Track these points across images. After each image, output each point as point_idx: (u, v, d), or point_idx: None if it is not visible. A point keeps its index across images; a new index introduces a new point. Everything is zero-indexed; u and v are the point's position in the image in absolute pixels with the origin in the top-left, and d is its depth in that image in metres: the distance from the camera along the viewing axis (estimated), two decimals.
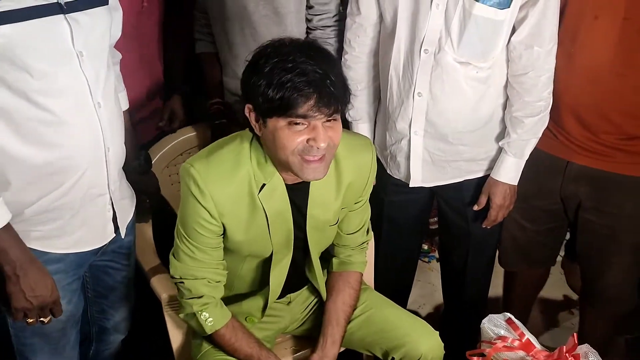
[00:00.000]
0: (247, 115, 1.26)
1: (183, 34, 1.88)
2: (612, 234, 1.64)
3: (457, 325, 1.90)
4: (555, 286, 2.33)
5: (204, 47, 1.88)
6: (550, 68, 1.49)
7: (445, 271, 1.96)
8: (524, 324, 1.96)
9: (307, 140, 1.21)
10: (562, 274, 2.34)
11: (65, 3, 1.18)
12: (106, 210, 1.35)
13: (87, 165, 1.26)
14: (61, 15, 1.17)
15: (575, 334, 1.37)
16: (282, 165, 1.28)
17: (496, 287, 2.09)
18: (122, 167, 1.40)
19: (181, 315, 1.40)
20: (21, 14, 1.11)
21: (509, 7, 1.41)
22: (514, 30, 1.47)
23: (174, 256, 1.37)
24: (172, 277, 1.38)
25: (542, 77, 1.49)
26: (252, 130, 1.29)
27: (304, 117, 1.19)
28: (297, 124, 1.19)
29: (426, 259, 2.54)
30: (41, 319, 1.28)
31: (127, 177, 1.46)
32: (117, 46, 1.43)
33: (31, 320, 1.28)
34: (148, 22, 1.75)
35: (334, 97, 1.19)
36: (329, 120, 1.21)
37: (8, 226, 1.20)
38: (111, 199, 1.34)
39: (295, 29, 1.75)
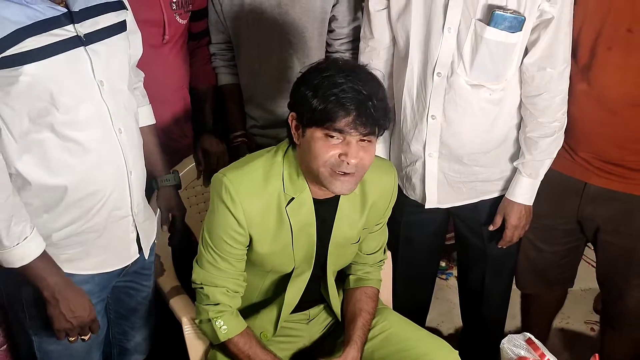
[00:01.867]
0: (290, 123, 1.31)
1: (208, 65, 1.89)
2: (632, 256, 1.63)
3: (476, 344, 1.90)
4: (575, 305, 2.31)
5: (226, 79, 1.90)
6: (563, 89, 1.50)
7: (463, 290, 1.96)
8: (543, 344, 1.97)
9: (339, 155, 1.25)
10: (583, 292, 2.32)
11: (85, 35, 1.22)
12: (129, 231, 1.39)
13: (112, 190, 1.30)
14: (81, 48, 1.21)
15: (597, 355, 1.36)
16: (313, 177, 1.32)
17: (514, 306, 2.08)
18: (152, 183, 1.46)
19: (196, 321, 1.44)
20: (45, 51, 1.15)
21: (520, 30, 1.42)
22: (526, 52, 1.48)
23: (197, 262, 1.41)
24: (193, 283, 1.42)
25: (556, 98, 1.50)
26: (290, 139, 1.33)
27: (340, 131, 1.24)
28: (332, 136, 1.25)
29: (444, 276, 2.53)
30: (82, 337, 1.34)
31: (159, 192, 1.52)
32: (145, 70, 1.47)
33: (73, 339, 1.33)
34: (171, 53, 1.76)
35: (373, 118, 1.24)
36: (363, 140, 1.26)
37: (44, 253, 1.25)
38: (134, 220, 1.38)
39: (317, 53, 1.78)
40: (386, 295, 1.70)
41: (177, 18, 1.74)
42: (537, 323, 1.96)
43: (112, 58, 1.28)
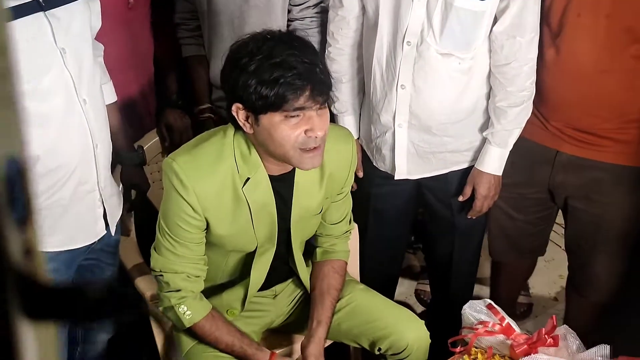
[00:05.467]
0: (235, 114, 1.25)
1: (172, 36, 1.82)
2: (600, 222, 1.66)
3: (444, 315, 1.92)
4: (538, 276, 2.36)
5: (191, 50, 1.84)
6: (532, 58, 1.50)
7: (431, 263, 1.97)
8: (512, 312, 2.01)
9: (305, 132, 1.22)
10: (547, 262, 2.37)
11: (44, 0, 1.16)
12: (96, 207, 1.34)
13: (77, 163, 1.25)
14: (41, 13, 1.15)
15: (554, 316, 1.40)
16: (274, 158, 1.29)
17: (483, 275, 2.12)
18: (117, 159, 1.39)
19: (160, 308, 1.41)
20: None
21: None
22: (495, 21, 1.47)
23: (154, 250, 1.37)
24: (152, 270, 1.38)
25: (525, 67, 1.50)
26: (235, 126, 1.28)
27: (301, 109, 1.20)
28: (292, 117, 1.21)
29: (410, 250, 2.55)
30: None
31: (122, 169, 1.44)
32: (108, 40, 1.41)
33: None
34: (137, 19, 1.71)
35: (326, 85, 1.22)
36: (320, 109, 1.23)
37: None
38: (101, 195, 1.33)
39: (281, 21, 1.74)
40: (353, 267, 1.69)
41: None
42: (506, 291, 2.00)
43: (74, 24, 1.22)
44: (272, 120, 1.22)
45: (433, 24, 1.45)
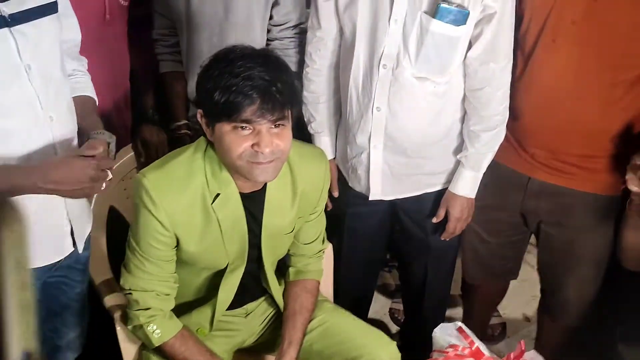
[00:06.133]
0: (200, 121, 1.27)
1: (150, 51, 1.83)
2: (571, 248, 1.68)
3: (417, 336, 1.92)
4: (512, 297, 2.39)
5: (168, 66, 1.84)
6: (505, 83, 1.53)
7: (404, 282, 1.98)
8: (483, 334, 2.02)
9: (252, 146, 1.22)
10: (521, 283, 2.39)
11: (10, 15, 1.14)
12: (63, 224, 1.32)
13: None
14: (5, 29, 1.13)
15: (522, 341, 1.41)
16: (235, 171, 1.29)
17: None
18: (85, 138, 1.33)
19: (129, 327, 1.39)
20: None
21: (465, 23, 1.43)
22: (470, 46, 1.50)
23: (124, 267, 1.36)
24: (122, 288, 1.37)
25: (498, 92, 1.52)
26: (206, 136, 1.29)
27: (248, 121, 1.20)
28: (242, 128, 1.21)
29: (386, 269, 2.55)
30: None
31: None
32: (83, 55, 1.40)
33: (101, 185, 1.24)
34: (113, 35, 1.70)
35: (279, 102, 1.20)
36: (277, 127, 1.22)
37: None
38: (68, 212, 1.31)
39: (260, 40, 1.75)
40: (327, 287, 1.69)
41: None
42: (478, 313, 2.01)
43: (42, 41, 1.20)
44: (223, 129, 1.22)
45: (409, 47, 1.47)
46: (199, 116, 1.26)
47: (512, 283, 2.40)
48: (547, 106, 1.53)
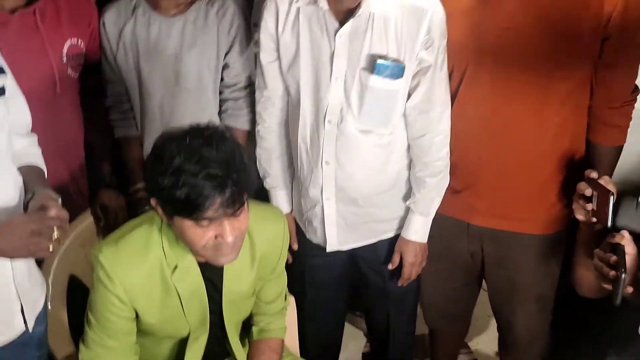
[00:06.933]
0: (154, 206, 1.26)
1: (103, 118, 1.85)
2: (513, 287, 1.73)
3: None
4: (482, 331, 2.40)
5: (123, 131, 1.86)
6: (443, 129, 1.59)
7: (369, 328, 2.00)
8: None
9: (216, 237, 1.22)
10: (491, 317, 2.41)
11: None
12: (13, 304, 1.30)
13: None
14: None
15: None
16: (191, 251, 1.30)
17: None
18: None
19: None
20: None
21: (402, 77, 1.50)
22: (409, 97, 1.55)
23: (82, 342, 1.35)
24: None
25: (436, 138, 1.58)
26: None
27: (209, 219, 1.19)
28: (203, 222, 1.20)
29: (358, 313, 2.55)
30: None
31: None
32: (35, 128, 1.40)
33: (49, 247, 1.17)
34: (64, 105, 1.72)
35: (239, 193, 1.19)
36: (236, 214, 1.22)
37: None
38: (17, 290, 1.30)
39: (212, 102, 1.80)
40: (292, 341, 1.69)
41: (69, 71, 1.71)
42: (444, 352, 2.03)
43: None
44: (183, 223, 1.21)
45: (351, 103, 1.53)
46: (153, 202, 1.24)
47: (483, 318, 2.43)
48: (476, 141, 1.59)
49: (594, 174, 1.39)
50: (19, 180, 1.31)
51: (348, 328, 2.28)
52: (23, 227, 1.17)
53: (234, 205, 1.20)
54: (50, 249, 1.18)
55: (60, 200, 1.28)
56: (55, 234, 1.18)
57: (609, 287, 1.27)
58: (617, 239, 1.28)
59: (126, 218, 1.76)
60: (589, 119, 1.61)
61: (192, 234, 1.22)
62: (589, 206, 1.38)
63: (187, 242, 1.25)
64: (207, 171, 1.16)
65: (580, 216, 1.43)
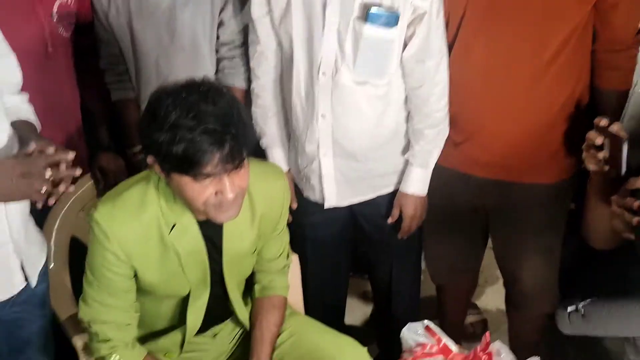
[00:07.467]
0: (151, 164, 1.24)
1: (99, 80, 1.83)
2: (518, 240, 1.70)
3: (391, 339, 1.91)
4: (493, 293, 2.38)
5: (119, 94, 1.85)
6: (442, 79, 1.55)
7: (374, 287, 1.98)
8: (460, 331, 2.01)
9: (216, 194, 1.21)
10: (500, 277, 2.39)
11: None
12: (10, 260, 1.30)
13: None
14: None
15: (487, 332, 1.41)
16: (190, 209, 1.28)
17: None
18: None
19: (92, 359, 1.38)
20: None
21: (396, 25, 1.46)
22: (405, 46, 1.52)
23: (82, 300, 1.36)
24: (81, 321, 1.37)
25: (435, 88, 1.55)
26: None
27: (209, 175, 1.17)
28: (202, 179, 1.18)
29: (366, 276, 2.55)
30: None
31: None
32: (27, 90, 1.39)
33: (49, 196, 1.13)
34: (57, 68, 1.71)
35: (238, 148, 1.17)
36: (237, 169, 1.20)
37: None
38: (15, 248, 1.30)
39: (209, 61, 1.77)
40: (296, 299, 1.68)
41: (60, 30, 1.68)
42: (451, 312, 2.01)
43: None
44: (182, 180, 1.20)
45: (345, 53, 1.49)
46: (149, 161, 1.22)
47: (492, 278, 2.40)
48: (476, 90, 1.55)
49: (604, 122, 1.32)
50: (12, 132, 1.30)
51: (353, 291, 2.28)
52: (12, 167, 1.13)
53: (234, 161, 1.17)
54: (44, 190, 1.13)
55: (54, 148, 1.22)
56: (48, 174, 1.12)
57: (631, 236, 1.23)
58: (638, 183, 1.23)
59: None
60: (594, 64, 1.55)
61: (191, 191, 1.20)
62: (601, 155, 1.32)
63: (187, 199, 1.23)
64: (204, 126, 1.13)
65: (592, 166, 1.37)
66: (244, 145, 1.19)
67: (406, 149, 1.65)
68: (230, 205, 1.23)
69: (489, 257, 1.95)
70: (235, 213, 1.26)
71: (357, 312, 2.31)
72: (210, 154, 1.15)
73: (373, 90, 1.54)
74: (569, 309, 1.48)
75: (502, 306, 2.34)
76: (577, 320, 1.49)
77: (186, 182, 1.20)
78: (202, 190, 1.20)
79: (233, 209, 1.25)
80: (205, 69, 1.78)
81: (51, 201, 1.17)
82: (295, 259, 1.65)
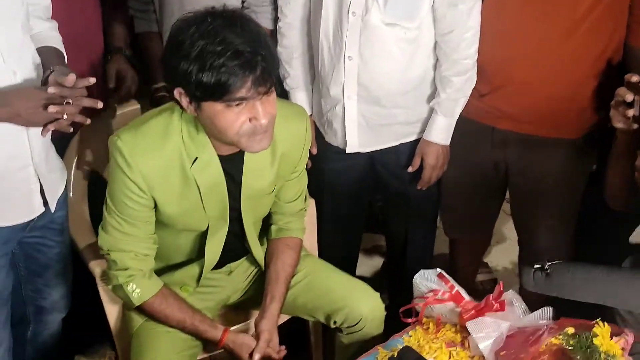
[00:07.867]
0: (178, 98, 1.23)
1: (123, 15, 1.81)
2: (537, 197, 1.68)
3: (402, 288, 1.92)
4: (504, 252, 2.38)
5: (143, 25, 1.82)
6: (473, 25, 1.51)
7: (388, 236, 1.99)
8: (470, 288, 2.02)
9: (250, 120, 1.20)
10: (512, 239, 2.39)
11: None
12: (31, 183, 1.32)
13: (4, 137, 1.22)
14: None
15: (501, 282, 1.41)
16: (221, 140, 1.27)
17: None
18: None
19: (109, 287, 1.40)
20: None
21: None
22: None
23: (102, 228, 1.37)
24: (100, 249, 1.38)
25: (467, 34, 1.51)
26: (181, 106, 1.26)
27: (242, 99, 1.17)
28: (236, 105, 1.18)
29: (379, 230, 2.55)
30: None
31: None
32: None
33: (61, 113, 1.18)
34: None
35: (269, 72, 1.17)
36: (266, 94, 1.20)
37: None
38: (36, 171, 1.31)
39: None
40: (311, 243, 1.69)
41: None
42: (463, 266, 2.01)
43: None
44: (214, 108, 1.19)
45: None
46: (177, 94, 1.20)
47: (504, 238, 2.40)
48: (505, 40, 1.51)
49: (635, 77, 1.29)
50: (37, 58, 1.30)
51: (364, 245, 2.29)
52: (38, 94, 1.18)
53: (266, 84, 1.17)
54: (65, 116, 1.18)
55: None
56: (70, 102, 1.18)
57: None
58: None
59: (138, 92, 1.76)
60: (629, 21, 1.51)
61: (224, 120, 1.19)
62: (630, 112, 1.30)
63: (219, 129, 1.22)
64: (235, 49, 1.13)
65: (619, 124, 1.35)
66: (273, 69, 1.19)
67: (432, 97, 1.63)
68: (263, 133, 1.23)
69: (500, 217, 1.94)
70: (267, 143, 1.26)
71: (367, 264, 2.32)
72: (242, 77, 1.14)
73: (403, 33, 1.51)
74: (536, 266, 1.46)
75: (510, 266, 2.36)
76: (540, 278, 1.48)
77: (218, 110, 1.18)
78: (235, 118, 1.19)
79: (266, 138, 1.24)
80: (230, 5, 1.74)
81: (69, 128, 1.21)
82: (312, 203, 1.65)
